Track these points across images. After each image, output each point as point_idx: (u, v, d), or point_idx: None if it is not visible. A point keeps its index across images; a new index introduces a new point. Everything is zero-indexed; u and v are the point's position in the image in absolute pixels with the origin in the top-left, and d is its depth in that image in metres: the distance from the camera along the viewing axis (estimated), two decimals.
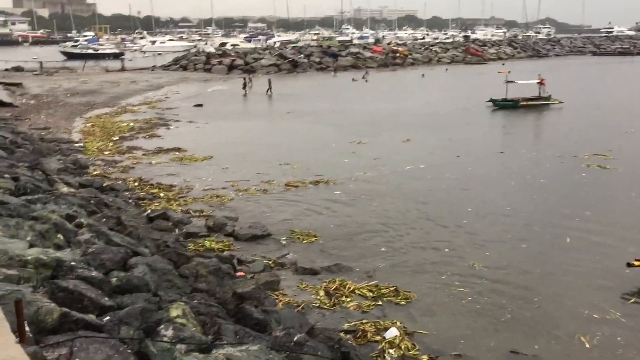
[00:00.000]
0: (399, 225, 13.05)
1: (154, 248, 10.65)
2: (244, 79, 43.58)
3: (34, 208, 10.63)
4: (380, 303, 9.29)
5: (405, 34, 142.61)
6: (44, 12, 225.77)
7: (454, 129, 25.60)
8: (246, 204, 14.85)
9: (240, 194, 15.67)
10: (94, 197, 13.91)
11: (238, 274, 10.41)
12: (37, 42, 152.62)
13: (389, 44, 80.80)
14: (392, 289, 9.71)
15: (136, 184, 16.49)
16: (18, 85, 38.20)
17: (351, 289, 9.74)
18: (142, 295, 7.54)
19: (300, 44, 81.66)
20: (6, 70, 52.56)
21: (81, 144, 22.27)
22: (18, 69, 53.50)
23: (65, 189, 14.22)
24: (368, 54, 68.27)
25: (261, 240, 12.41)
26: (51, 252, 7.61)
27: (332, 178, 17.03)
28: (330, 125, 27.15)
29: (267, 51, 65.64)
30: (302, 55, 63.60)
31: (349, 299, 9.42)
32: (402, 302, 9.33)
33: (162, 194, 15.41)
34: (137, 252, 9.62)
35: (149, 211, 13.68)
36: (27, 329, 4.83)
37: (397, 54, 69.95)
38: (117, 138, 23.62)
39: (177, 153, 20.63)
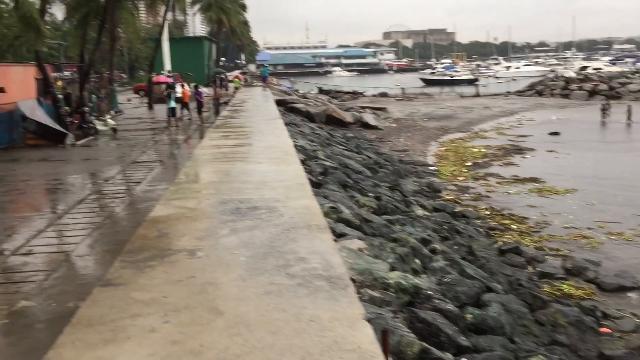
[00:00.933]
0: None
1: (507, 285, 10.03)
2: (602, 105, 39.46)
3: (394, 229, 11.11)
4: None
5: None
6: (408, 43, 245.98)
7: None
8: (615, 248, 13.02)
9: (612, 237, 13.80)
10: (446, 222, 14.03)
11: (602, 330, 9.04)
12: (400, 70, 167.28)
13: None
14: None
15: (487, 212, 16.09)
16: (383, 109, 42.03)
17: None
18: (498, 339, 7.01)
19: None
20: (374, 95, 58.71)
21: (435, 168, 23.00)
22: (383, 94, 59.16)
23: (420, 212, 14.70)
24: None
25: (630, 293, 10.65)
26: (410, 277, 7.66)
27: None
28: None
29: (638, 75, 58.56)
30: None
31: None
32: None
33: (514, 226, 14.66)
34: (490, 288, 9.15)
35: (501, 243, 13.11)
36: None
37: None
38: (470, 164, 23.70)
39: (535, 184, 19.55)
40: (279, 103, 31.75)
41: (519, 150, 26.79)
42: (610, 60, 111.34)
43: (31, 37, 17.34)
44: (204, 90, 30.94)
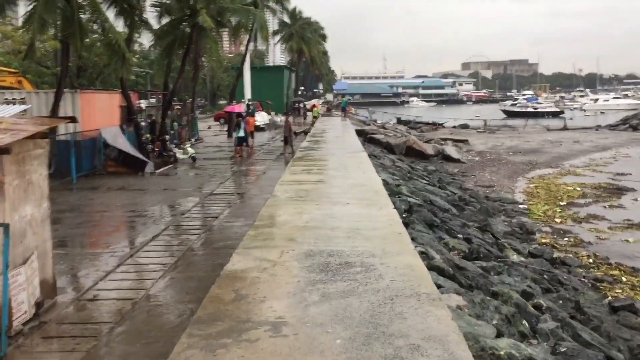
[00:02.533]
0: None
1: (628, 353, 8.61)
2: None
3: (491, 279, 9.93)
4: None
5: None
6: (488, 74, 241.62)
7: None
8: None
9: None
10: (546, 270, 12.62)
11: None
12: (479, 101, 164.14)
13: None
14: None
15: (590, 260, 14.48)
16: (464, 142, 40.49)
17: None
18: None
19: None
20: (454, 127, 57.10)
21: (525, 206, 21.39)
22: (464, 126, 57.44)
23: (515, 257, 13.36)
24: None
25: None
26: (522, 346, 6.51)
27: None
28: None
29: None
30: None
31: None
32: None
33: (624, 278, 13.02)
34: (610, 358, 7.82)
35: (611, 298, 11.57)
36: None
37: None
38: (565, 203, 21.93)
39: None
40: (358, 133, 31.05)
41: (619, 190, 24.67)
42: None
43: (117, 65, 17.46)
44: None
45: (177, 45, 23.25)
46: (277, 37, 66.87)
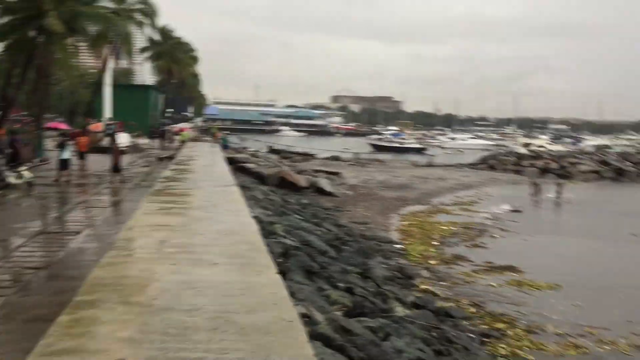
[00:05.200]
0: None
1: None
2: (532, 183, 39.55)
3: (383, 347, 8.43)
4: None
5: None
6: (356, 108, 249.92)
7: None
8: None
9: (604, 346, 11.67)
10: (434, 326, 11.44)
11: None
12: (347, 133, 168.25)
13: None
14: None
15: (474, 310, 13.64)
16: (337, 174, 39.81)
17: None
18: None
19: (616, 149, 72.94)
20: (325, 158, 56.70)
21: (402, 246, 20.60)
22: (335, 158, 57.25)
23: (400, 309, 12.09)
24: None
25: None
26: None
27: None
28: None
29: (586, 156, 59.20)
30: (629, 163, 55.65)
31: None
32: None
33: (510, 332, 12.23)
34: None
35: (501, 359, 10.62)
36: None
37: None
38: (438, 243, 21.46)
39: (513, 274, 17.31)
40: (228, 161, 29.04)
41: (486, 230, 24.90)
42: (550, 138, 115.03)
43: None
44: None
45: (17, 50, 19.92)
46: (146, 55, 63.28)
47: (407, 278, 16.09)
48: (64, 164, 19.46)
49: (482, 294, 15.20)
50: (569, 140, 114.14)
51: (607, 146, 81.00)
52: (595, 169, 53.89)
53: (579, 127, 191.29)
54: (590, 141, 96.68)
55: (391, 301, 12.48)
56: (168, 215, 10.22)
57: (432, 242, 21.57)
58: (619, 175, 53.26)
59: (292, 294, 8.98)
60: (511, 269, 17.85)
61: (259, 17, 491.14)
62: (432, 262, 18.61)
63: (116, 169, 20.30)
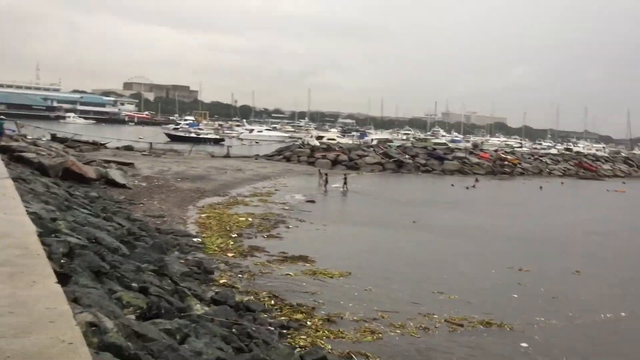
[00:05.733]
0: None
1: None
2: (320, 173, 42.51)
3: (181, 351, 7.93)
4: None
5: (498, 141, 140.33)
6: (150, 96, 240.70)
7: None
8: (408, 346, 11.67)
9: (396, 330, 12.55)
10: (233, 322, 11.18)
11: None
12: (141, 122, 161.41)
13: (495, 150, 77.84)
14: None
15: (272, 302, 13.69)
16: (130, 165, 37.71)
17: None
18: None
19: (396, 143, 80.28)
20: (117, 148, 53.43)
21: (199, 239, 20.06)
22: (129, 148, 54.27)
23: (198, 307, 11.62)
24: (474, 159, 65.21)
25: None
26: None
27: (506, 320, 13.56)
28: (471, 241, 23.86)
29: (372, 149, 64.03)
30: (407, 156, 61.46)
31: None
32: None
33: (308, 322, 12.48)
34: None
35: (300, 350, 10.74)
36: None
37: (506, 162, 66.53)
38: (236, 235, 21.33)
39: (305, 264, 17.80)
40: (2, 150, 25.70)
41: (282, 220, 25.46)
42: (340, 132, 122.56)
43: None
44: None
45: None
46: None
47: (206, 273, 15.66)
48: None
49: (279, 285, 15.35)
50: (356, 133, 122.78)
51: (388, 140, 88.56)
52: (380, 161, 58.57)
53: (364, 122, 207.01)
54: (374, 135, 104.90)
55: (189, 299, 11.94)
56: None
57: (230, 235, 21.37)
58: (399, 167, 58.58)
59: (77, 300, 8.07)
60: (304, 258, 18.38)
61: None
62: (230, 254, 18.39)
63: None
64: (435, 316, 13.57)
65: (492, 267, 19.36)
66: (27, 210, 11.47)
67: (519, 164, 67.30)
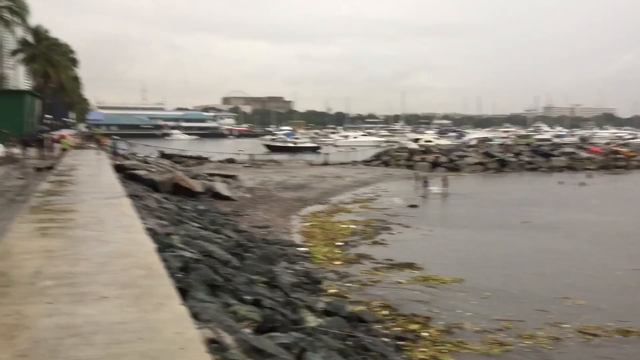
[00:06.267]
0: None
1: None
2: (418, 176, 41.57)
3: None
4: None
5: (608, 133, 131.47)
6: (247, 109, 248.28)
7: None
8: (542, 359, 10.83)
9: (526, 341, 11.66)
10: (348, 334, 10.92)
11: None
12: (240, 135, 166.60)
13: (607, 143, 73.10)
14: None
15: (386, 312, 13.30)
16: (233, 177, 38.70)
17: None
18: None
19: (496, 141, 77.30)
20: (220, 161, 55.24)
21: (305, 249, 20.06)
22: (230, 160, 55.95)
23: (311, 319, 11.47)
24: (584, 154, 61.42)
25: None
26: None
27: None
28: (588, 241, 22.28)
29: (472, 149, 62.04)
30: (510, 154, 58.94)
31: None
32: None
33: (424, 333, 11.97)
34: None
35: None
36: None
37: (619, 155, 62.13)
38: (342, 243, 21.15)
39: (414, 271, 17.26)
40: (117, 169, 27.12)
41: (386, 226, 25.01)
42: (436, 133, 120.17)
43: None
44: None
45: None
46: (18, 58, 58.46)
47: (315, 283, 15.54)
48: None
49: (390, 293, 14.95)
50: (453, 134, 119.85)
51: (487, 139, 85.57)
52: (481, 161, 56.54)
53: (460, 122, 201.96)
54: (473, 134, 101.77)
55: (301, 310, 11.82)
56: (45, 237, 8.60)
57: (335, 243, 21.23)
58: (502, 166, 56.26)
59: (196, 316, 8.09)
60: (411, 265, 17.85)
61: (142, 17, 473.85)
62: (336, 263, 18.22)
63: None
64: (565, 325, 12.59)
65: (615, 269, 17.89)
66: (144, 227, 11.79)
67: (634, 156, 62.57)
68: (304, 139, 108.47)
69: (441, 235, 23.73)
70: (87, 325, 4.98)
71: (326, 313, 12.39)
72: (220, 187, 31.77)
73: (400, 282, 15.98)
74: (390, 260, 18.62)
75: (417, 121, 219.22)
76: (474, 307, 13.83)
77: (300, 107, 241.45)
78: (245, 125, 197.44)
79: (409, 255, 19.07)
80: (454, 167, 54.33)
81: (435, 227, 25.25)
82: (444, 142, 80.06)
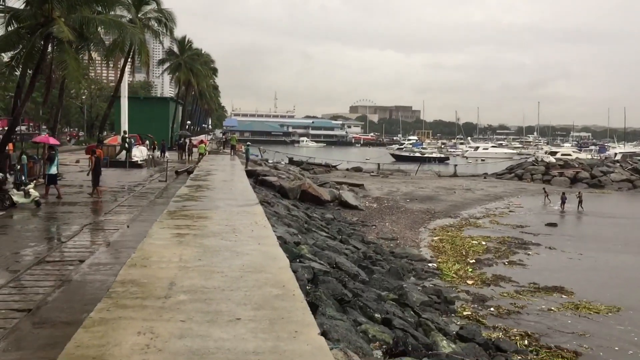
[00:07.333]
0: None
1: None
2: (546, 192, 39.32)
3: None
4: None
5: None
6: (374, 118, 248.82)
7: None
8: None
9: None
10: None
11: None
12: (367, 143, 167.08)
13: None
14: None
15: (525, 342, 12.12)
16: (360, 186, 38.46)
17: None
18: None
19: None
20: (347, 169, 55.35)
21: (435, 265, 19.13)
22: (357, 169, 55.88)
23: (445, 344, 10.64)
24: None
25: None
26: None
27: None
28: None
29: (618, 164, 57.06)
30: None
31: None
32: None
33: None
34: None
35: None
36: None
37: None
38: (474, 261, 19.94)
39: (562, 296, 15.76)
40: (249, 174, 27.84)
41: (522, 245, 23.29)
42: (574, 146, 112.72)
43: None
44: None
45: (25, 59, 18.76)
46: (164, 67, 62.62)
47: (447, 303, 14.63)
48: (51, 179, 18.33)
49: (532, 320, 13.68)
50: (593, 147, 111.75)
51: (635, 154, 78.49)
52: (628, 178, 51.75)
53: (602, 134, 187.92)
54: (618, 148, 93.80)
55: (434, 333, 11.03)
56: (181, 245, 8.56)
57: (467, 260, 20.05)
58: None
59: (326, 334, 7.63)
60: (560, 289, 16.32)
61: (277, 27, 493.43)
62: (469, 282, 17.12)
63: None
64: None
65: None
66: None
67: None
68: (431, 149, 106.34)
69: (590, 257, 21.60)
70: (219, 352, 4.63)
71: (460, 338, 11.51)
72: (348, 196, 31.58)
73: (544, 309, 14.57)
74: (535, 283, 17.15)
75: (553, 133, 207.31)
76: (636, 344, 12.18)
77: (428, 116, 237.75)
78: (371, 134, 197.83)
79: (553, 278, 17.52)
80: (596, 184, 50.21)
81: (581, 249, 23.05)
82: (583, 156, 74.54)
